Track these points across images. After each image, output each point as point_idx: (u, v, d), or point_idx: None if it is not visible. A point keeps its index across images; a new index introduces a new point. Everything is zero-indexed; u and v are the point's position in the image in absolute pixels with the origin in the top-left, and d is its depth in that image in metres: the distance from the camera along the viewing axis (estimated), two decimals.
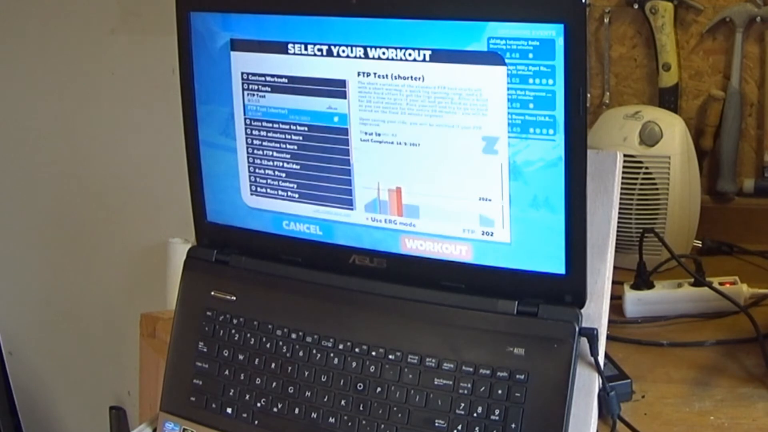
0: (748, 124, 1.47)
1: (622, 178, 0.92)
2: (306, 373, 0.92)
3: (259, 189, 0.97)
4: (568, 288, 0.85)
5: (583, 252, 0.84)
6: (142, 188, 1.95)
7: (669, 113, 1.38)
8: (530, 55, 0.80)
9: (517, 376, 0.84)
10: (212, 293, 0.98)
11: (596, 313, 0.87)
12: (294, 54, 0.90)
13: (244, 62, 0.93)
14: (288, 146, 0.94)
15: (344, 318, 0.92)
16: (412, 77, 0.86)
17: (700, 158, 1.40)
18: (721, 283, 1.18)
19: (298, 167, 0.94)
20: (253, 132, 0.95)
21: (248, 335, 0.95)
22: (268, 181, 0.96)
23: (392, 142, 0.89)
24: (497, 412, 0.84)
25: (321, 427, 0.90)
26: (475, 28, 0.82)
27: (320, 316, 0.93)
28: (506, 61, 0.81)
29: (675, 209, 1.31)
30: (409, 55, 0.85)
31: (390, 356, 0.89)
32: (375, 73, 0.87)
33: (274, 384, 0.93)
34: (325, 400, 0.90)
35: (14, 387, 2.24)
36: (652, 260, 1.23)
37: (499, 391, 0.84)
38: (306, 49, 0.89)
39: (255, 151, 0.95)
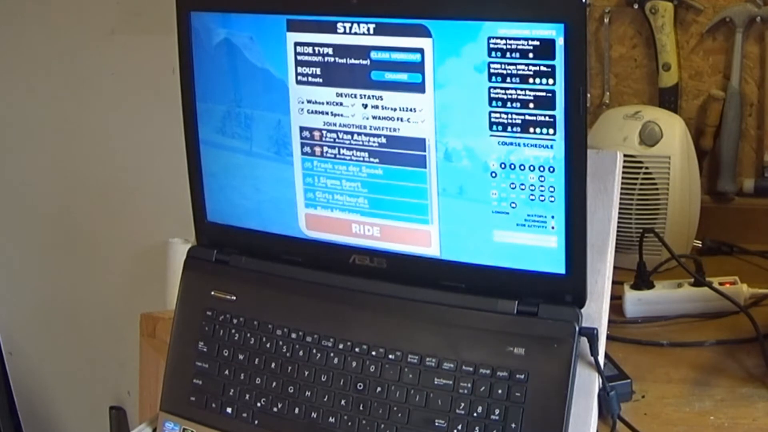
0: (748, 124, 1.47)
1: (622, 178, 0.92)
2: (306, 373, 0.92)
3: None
4: (568, 288, 0.85)
5: (583, 252, 0.84)
6: (142, 188, 1.95)
7: (669, 113, 1.38)
8: (530, 55, 0.80)
9: (517, 376, 0.84)
10: (212, 293, 0.98)
11: (596, 313, 0.87)
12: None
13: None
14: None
15: (344, 318, 0.92)
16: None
17: (700, 158, 1.39)
18: (721, 283, 1.18)
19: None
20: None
21: (248, 335, 0.95)
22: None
23: None
24: (497, 411, 0.84)
25: (321, 427, 0.90)
26: (474, 28, 0.82)
27: (320, 316, 0.93)
28: (506, 60, 0.81)
29: (675, 209, 1.31)
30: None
31: (390, 356, 0.89)
32: None
33: (274, 384, 0.93)
34: (325, 399, 0.90)
35: (14, 387, 2.24)
36: (652, 260, 1.23)
37: (499, 391, 0.84)
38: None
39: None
